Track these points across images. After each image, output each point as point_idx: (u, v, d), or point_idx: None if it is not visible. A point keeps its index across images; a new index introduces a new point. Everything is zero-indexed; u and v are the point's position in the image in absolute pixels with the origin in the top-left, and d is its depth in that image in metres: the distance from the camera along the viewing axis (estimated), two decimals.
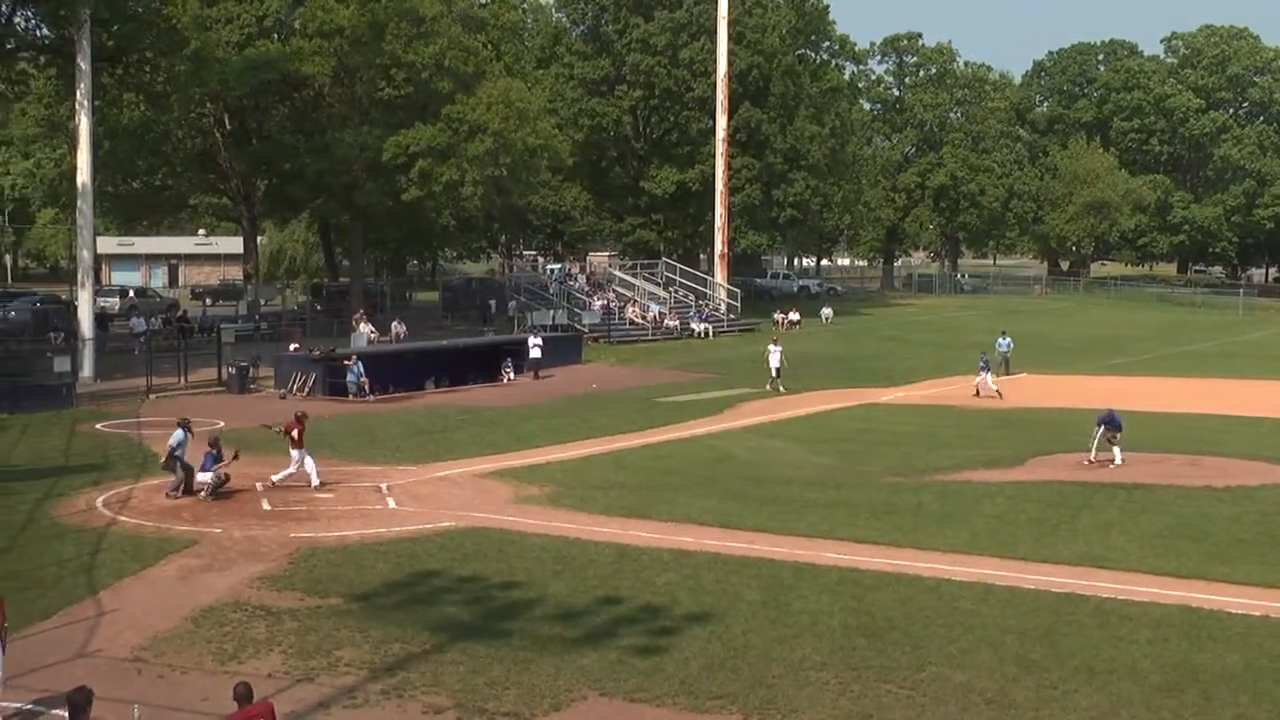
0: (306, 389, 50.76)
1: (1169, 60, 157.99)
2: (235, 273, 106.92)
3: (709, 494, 30.94)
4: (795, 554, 24.48)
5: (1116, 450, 35.56)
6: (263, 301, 79.36)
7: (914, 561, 23.98)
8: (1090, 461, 35.29)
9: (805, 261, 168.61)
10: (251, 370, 51.86)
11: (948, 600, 21.36)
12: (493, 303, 78.35)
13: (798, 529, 26.82)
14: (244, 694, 13.42)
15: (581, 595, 21.61)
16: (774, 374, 54.26)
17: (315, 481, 31.08)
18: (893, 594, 21.74)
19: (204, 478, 29.88)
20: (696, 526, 27.05)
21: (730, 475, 33.92)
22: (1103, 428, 35.81)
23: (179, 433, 30.30)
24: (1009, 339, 60.99)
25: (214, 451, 30.33)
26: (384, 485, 31.72)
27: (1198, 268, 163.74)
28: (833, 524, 27.42)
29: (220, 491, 29.72)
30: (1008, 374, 58.02)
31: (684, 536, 25.98)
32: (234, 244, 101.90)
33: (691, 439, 41.01)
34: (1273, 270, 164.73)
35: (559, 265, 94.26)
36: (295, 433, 31.30)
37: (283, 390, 50.65)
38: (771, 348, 55.38)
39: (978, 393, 52.14)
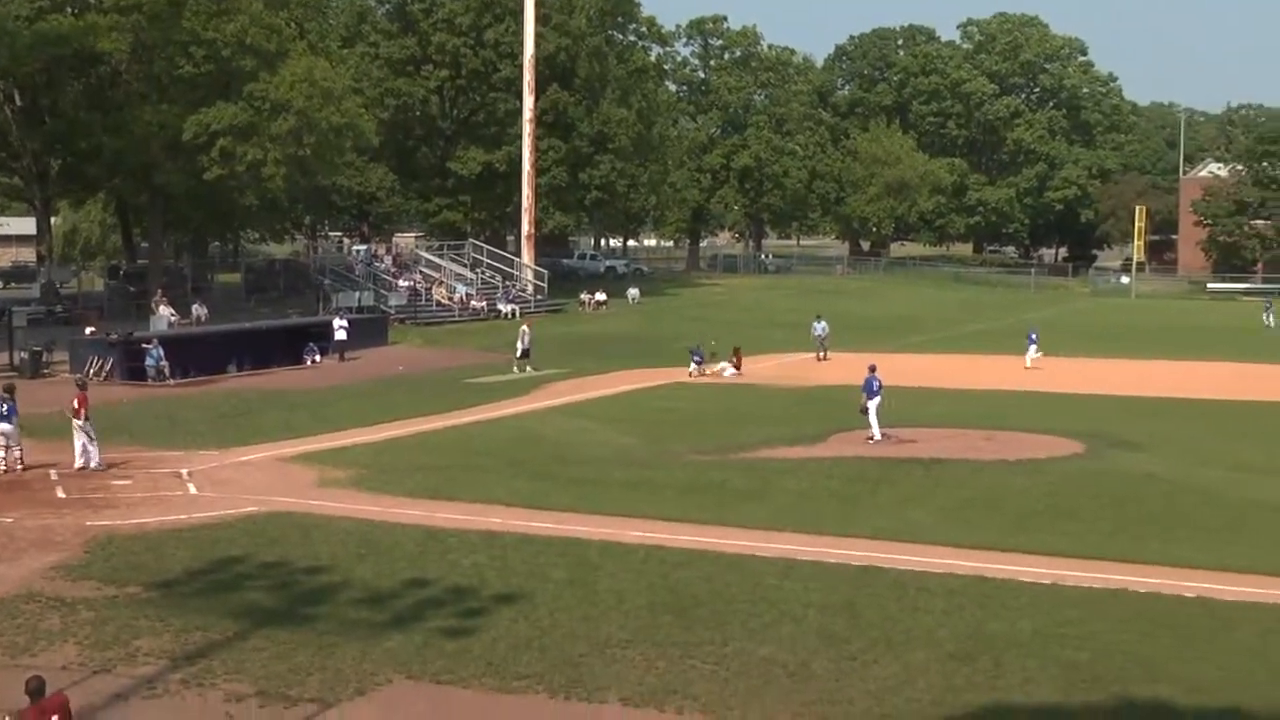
0: (104, 373, 49.48)
1: (965, 46, 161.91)
2: (28, 255, 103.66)
3: (516, 475, 30.87)
4: (602, 533, 24.58)
5: (871, 419, 35.80)
6: (59, 284, 76.98)
7: (719, 538, 24.22)
8: (873, 439, 35.72)
9: (612, 242, 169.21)
10: (45, 355, 50.39)
11: (752, 576, 21.63)
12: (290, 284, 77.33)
13: (604, 508, 26.92)
14: (36, 688, 13.00)
15: (388, 578, 21.43)
16: (520, 354, 54.57)
17: (89, 463, 30.52)
18: (698, 571, 21.94)
19: (5, 428, 29.63)
20: (504, 507, 26.98)
21: (537, 456, 33.88)
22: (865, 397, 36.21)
23: None
24: (824, 322, 61.70)
25: (10, 401, 30.38)
26: (185, 471, 31.12)
27: (992, 248, 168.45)
28: (639, 503, 27.57)
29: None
30: (825, 357, 58.88)
31: (491, 518, 25.91)
32: (26, 225, 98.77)
33: (498, 420, 40.88)
34: (1062, 250, 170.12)
35: (365, 246, 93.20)
36: (77, 403, 30.86)
37: (79, 375, 49.27)
38: (524, 330, 55.84)
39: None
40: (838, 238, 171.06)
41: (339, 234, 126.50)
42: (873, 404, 36.10)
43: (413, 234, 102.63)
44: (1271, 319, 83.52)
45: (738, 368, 53.47)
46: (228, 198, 75.62)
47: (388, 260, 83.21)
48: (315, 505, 27.21)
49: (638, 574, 21.76)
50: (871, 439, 35.65)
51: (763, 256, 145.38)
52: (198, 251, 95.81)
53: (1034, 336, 58.36)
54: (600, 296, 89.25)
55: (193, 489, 29.24)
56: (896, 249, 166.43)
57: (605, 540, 24.02)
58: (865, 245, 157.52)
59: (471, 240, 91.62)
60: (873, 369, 37.08)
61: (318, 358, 57.58)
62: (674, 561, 22.56)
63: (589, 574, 21.75)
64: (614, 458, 33.68)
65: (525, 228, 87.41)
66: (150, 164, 68.91)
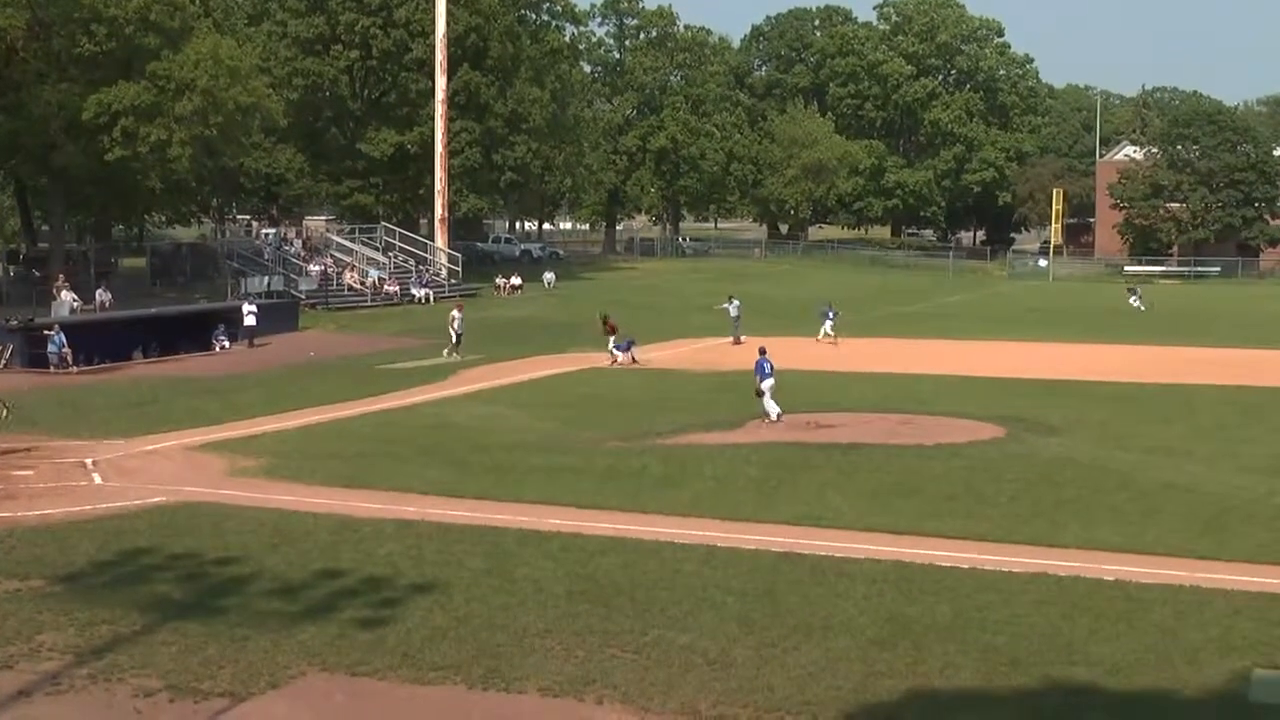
0: (4, 360, 48.83)
1: (882, 27, 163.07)
2: None
3: (431, 462, 30.80)
4: (519, 520, 24.52)
5: (768, 402, 36.70)
6: None
7: (637, 525, 24.25)
8: (770, 420, 36.39)
9: (528, 225, 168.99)
10: None
11: (671, 563, 21.68)
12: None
13: (521, 496, 26.85)
14: None
15: (300, 569, 21.29)
16: (456, 340, 54.63)
17: None
18: (616, 558, 21.95)
19: None
20: (418, 496, 26.89)
21: (453, 443, 33.79)
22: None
23: None
24: (737, 302, 62.01)
25: None
26: (89, 460, 30.79)
27: (910, 231, 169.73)
28: (556, 490, 27.54)
29: None
30: (737, 340, 59.11)
31: (406, 506, 25.81)
32: None
33: (413, 407, 40.77)
34: (980, 234, 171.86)
35: (274, 230, 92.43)
36: None
37: None
38: (454, 314, 55.72)
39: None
40: (755, 221, 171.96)
41: (247, 217, 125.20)
42: (767, 385, 36.89)
43: (323, 217, 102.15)
44: (1139, 303, 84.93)
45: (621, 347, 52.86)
46: (131, 180, 74.58)
47: (298, 244, 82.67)
48: (226, 495, 26.98)
49: (556, 562, 21.75)
50: (767, 420, 36.27)
51: (680, 240, 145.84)
52: (101, 235, 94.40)
53: (830, 312, 61.03)
54: (515, 281, 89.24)
55: (98, 479, 28.93)
56: (815, 232, 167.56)
57: (523, 528, 23.96)
58: (783, 228, 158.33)
59: (384, 224, 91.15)
60: (763, 351, 38.24)
61: (226, 344, 57.18)
62: (592, 549, 22.55)
63: (506, 562, 21.71)
64: (531, 444, 33.62)
65: (439, 211, 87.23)
66: (49, 145, 67.85)
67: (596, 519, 24.83)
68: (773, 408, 36.67)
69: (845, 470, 29.88)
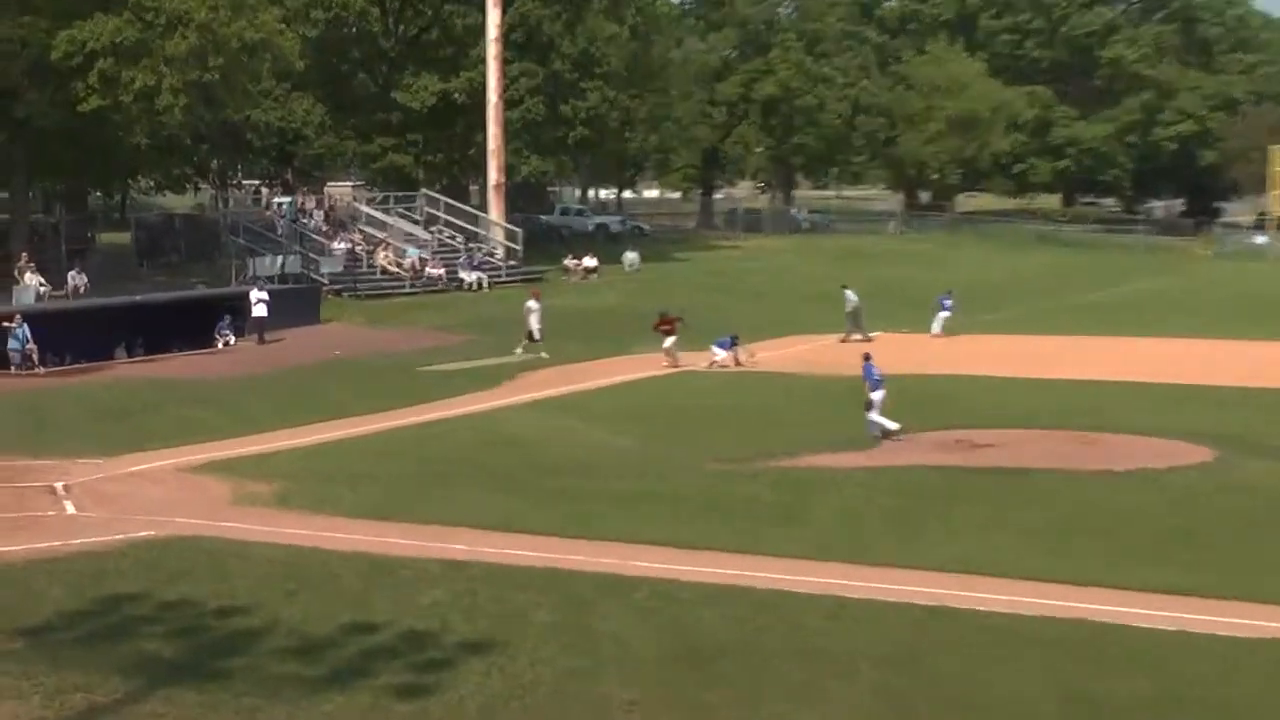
0: None
1: None
2: None
3: (486, 488, 30.81)
4: (597, 563, 24.43)
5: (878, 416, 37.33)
6: None
7: (746, 570, 24.05)
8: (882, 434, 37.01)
9: (603, 194, 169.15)
10: None
11: (789, 619, 21.47)
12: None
13: (599, 531, 26.81)
14: None
15: (323, 621, 21.26)
16: (531, 336, 54.81)
17: None
18: (720, 612, 21.78)
19: None
20: (470, 530, 26.84)
21: (513, 463, 33.75)
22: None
23: None
24: (852, 292, 61.69)
25: None
26: (59, 485, 31.04)
27: (1086, 200, 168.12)
28: (643, 524, 27.44)
29: None
30: (862, 335, 58.80)
31: (454, 543, 25.78)
32: None
33: (462, 418, 40.88)
34: (1177, 203, 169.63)
35: (289, 199, 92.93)
36: None
37: None
38: (531, 304, 55.72)
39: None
40: (889, 188, 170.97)
41: (256, 183, 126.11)
42: (878, 396, 37.37)
43: (349, 183, 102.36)
44: None
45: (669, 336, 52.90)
46: (112, 136, 75.11)
47: (318, 216, 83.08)
48: (229, 528, 27.07)
49: (643, 616, 21.62)
50: (892, 437, 36.87)
51: (794, 211, 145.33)
52: (74, 205, 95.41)
53: (947, 303, 62.03)
54: (589, 262, 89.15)
55: (70, 508, 29.13)
56: (964, 202, 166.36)
57: (601, 572, 23.88)
58: (924, 197, 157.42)
59: (425, 191, 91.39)
60: (868, 357, 38.98)
61: (231, 339, 57.58)
62: (689, 600, 22.42)
63: (581, 615, 21.60)
64: (611, 466, 33.58)
65: (492, 175, 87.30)
66: (10, 91, 68.44)
67: (694, 561, 24.64)
68: (887, 422, 37.09)
69: (1009, 502, 29.55)
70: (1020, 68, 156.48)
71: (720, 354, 52.20)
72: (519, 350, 54.15)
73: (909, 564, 24.59)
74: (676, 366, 51.57)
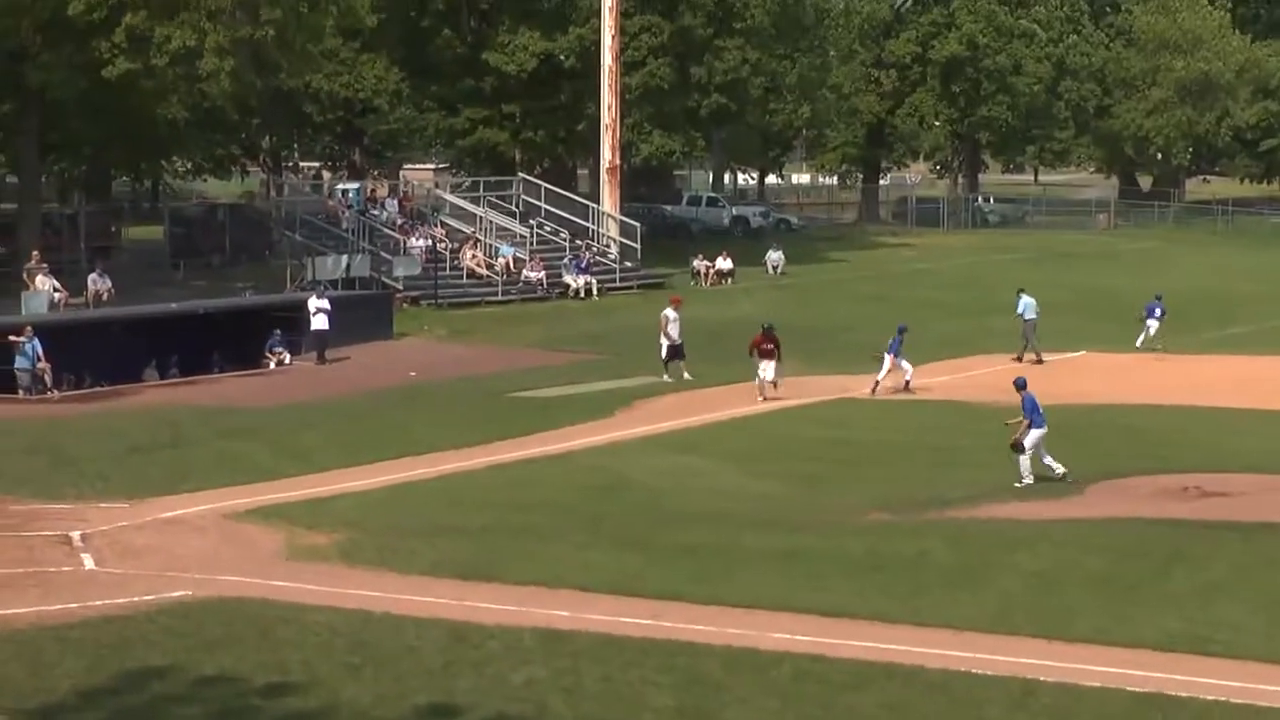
0: None
1: None
2: None
3: (593, 542, 30.93)
4: (728, 634, 24.42)
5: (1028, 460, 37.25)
6: None
7: (912, 645, 24.00)
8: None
9: (742, 179, 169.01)
10: None
11: (966, 706, 21.45)
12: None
13: (731, 596, 26.79)
14: None
15: (394, 704, 21.43)
16: (668, 354, 54.70)
17: None
18: (880, 696, 21.78)
19: None
20: (574, 594, 26.96)
21: (627, 512, 33.96)
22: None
23: None
24: (1030, 300, 61.32)
25: None
26: (76, 534, 31.24)
27: None
28: (786, 587, 27.39)
29: None
30: (1034, 355, 58.73)
31: (555, 608, 25.84)
32: None
33: (565, 456, 41.05)
34: None
35: (356, 186, 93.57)
36: None
37: None
38: (669, 313, 55.58)
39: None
40: (1100, 170, 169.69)
41: (316, 166, 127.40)
42: (1035, 435, 37.29)
43: (431, 166, 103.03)
44: None
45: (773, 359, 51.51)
46: (142, 107, 76.01)
47: (392, 207, 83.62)
48: (281, 587, 27.27)
49: (784, 700, 21.63)
50: (1020, 482, 36.94)
51: (980, 201, 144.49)
52: (97, 192, 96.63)
53: (1156, 310, 62.37)
54: (724, 264, 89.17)
55: (90, 562, 29.31)
56: (1196, 188, 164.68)
57: (733, 646, 23.89)
58: (1145, 183, 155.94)
59: (523, 176, 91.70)
60: (1022, 385, 38.56)
61: (285, 358, 57.87)
62: (841, 681, 22.40)
63: (710, 699, 21.66)
64: (746, 516, 33.57)
65: (606, 156, 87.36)
66: (19, 53, 69.10)
67: (847, 633, 24.64)
68: (1053, 465, 37.29)
69: (1247, 565, 29.23)
70: (1274, 18, 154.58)
71: (905, 367, 52.34)
72: (666, 376, 54.18)
73: (1117, 640, 24.38)
74: (775, 399, 50.47)
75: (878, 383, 51.96)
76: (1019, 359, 58.98)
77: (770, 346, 50.73)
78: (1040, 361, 58.32)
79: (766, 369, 50.50)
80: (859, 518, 33.46)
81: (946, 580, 28.13)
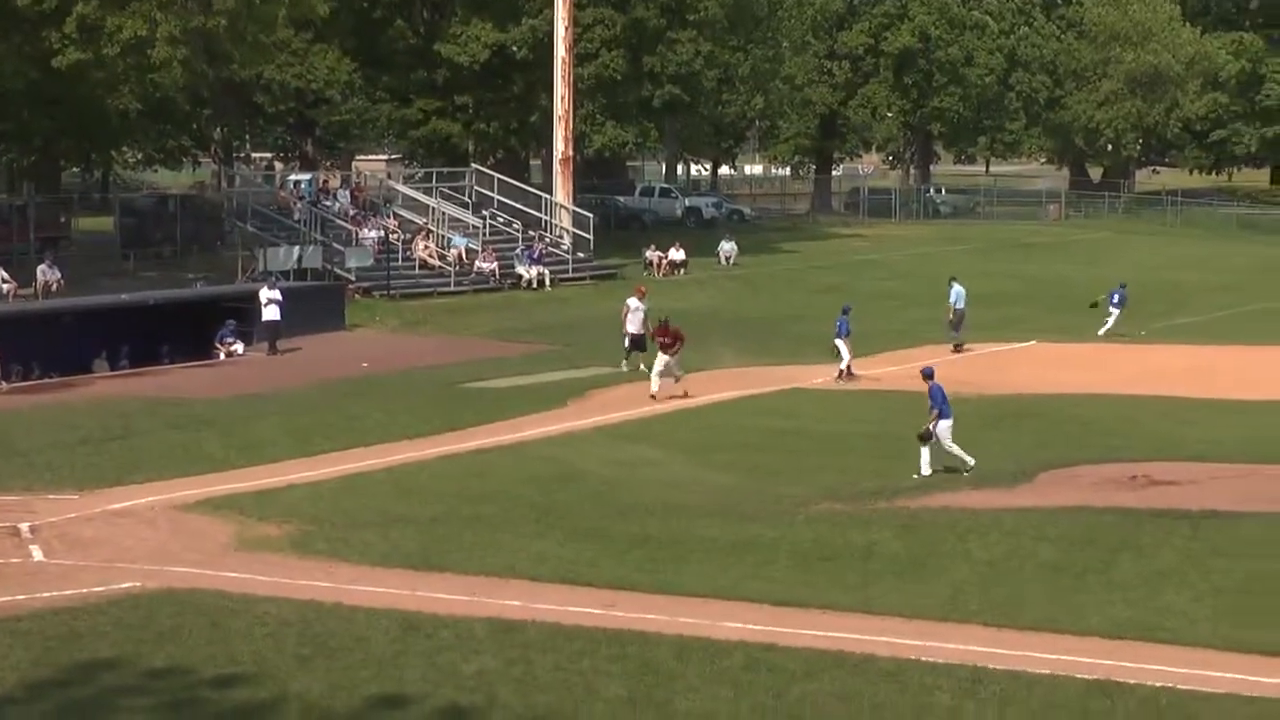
0: None
1: None
2: None
3: (545, 532, 30.93)
4: (680, 623, 24.48)
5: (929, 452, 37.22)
6: None
7: (864, 634, 24.08)
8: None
9: (695, 170, 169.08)
10: None
11: (915, 694, 21.48)
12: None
13: (684, 585, 26.89)
14: None
15: (346, 694, 21.41)
16: (629, 344, 54.42)
17: None
18: (830, 684, 21.81)
19: None
20: (526, 584, 27.02)
21: (579, 503, 33.98)
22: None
23: None
24: (959, 288, 61.27)
25: None
26: (25, 525, 31.24)
27: None
28: (738, 576, 27.51)
29: None
30: (956, 347, 59.00)
31: (506, 598, 25.92)
32: None
33: (517, 446, 41.01)
34: None
35: (308, 177, 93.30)
36: None
37: None
38: (631, 302, 55.39)
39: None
40: (1051, 161, 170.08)
41: (268, 156, 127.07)
42: (944, 426, 37.09)
43: (383, 157, 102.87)
44: None
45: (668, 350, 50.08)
46: (93, 97, 75.76)
47: (344, 198, 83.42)
48: (232, 579, 27.23)
49: (737, 689, 21.65)
50: (918, 474, 36.91)
51: (932, 192, 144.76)
52: (45, 183, 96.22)
53: (1117, 298, 63.06)
54: (677, 255, 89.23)
55: (38, 554, 29.31)
56: (1146, 179, 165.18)
57: (685, 635, 23.93)
58: (1095, 174, 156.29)
59: (475, 167, 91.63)
60: (929, 375, 38.37)
61: (237, 349, 57.77)
62: (793, 670, 22.43)
63: (660, 688, 21.67)
64: (698, 506, 33.63)
65: (559, 147, 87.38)
66: None
67: (799, 623, 24.70)
68: (963, 456, 37.07)
69: (1195, 553, 29.35)
70: (1223, 10, 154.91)
71: (842, 349, 52.29)
72: (625, 365, 53.83)
73: (1066, 629, 24.54)
74: (673, 397, 48.64)
75: (842, 370, 52.00)
76: (958, 349, 59.07)
77: (667, 340, 49.22)
78: (959, 351, 58.63)
79: (661, 363, 48.92)
80: (809, 508, 33.46)
81: (897, 569, 28.27)
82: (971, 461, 37.10)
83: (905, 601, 26.02)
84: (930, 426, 37.06)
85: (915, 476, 36.81)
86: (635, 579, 27.36)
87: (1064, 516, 32.47)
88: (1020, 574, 27.97)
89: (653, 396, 48.29)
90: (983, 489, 35.43)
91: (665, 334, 49.49)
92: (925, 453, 37.06)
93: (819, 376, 52.10)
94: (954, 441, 37.10)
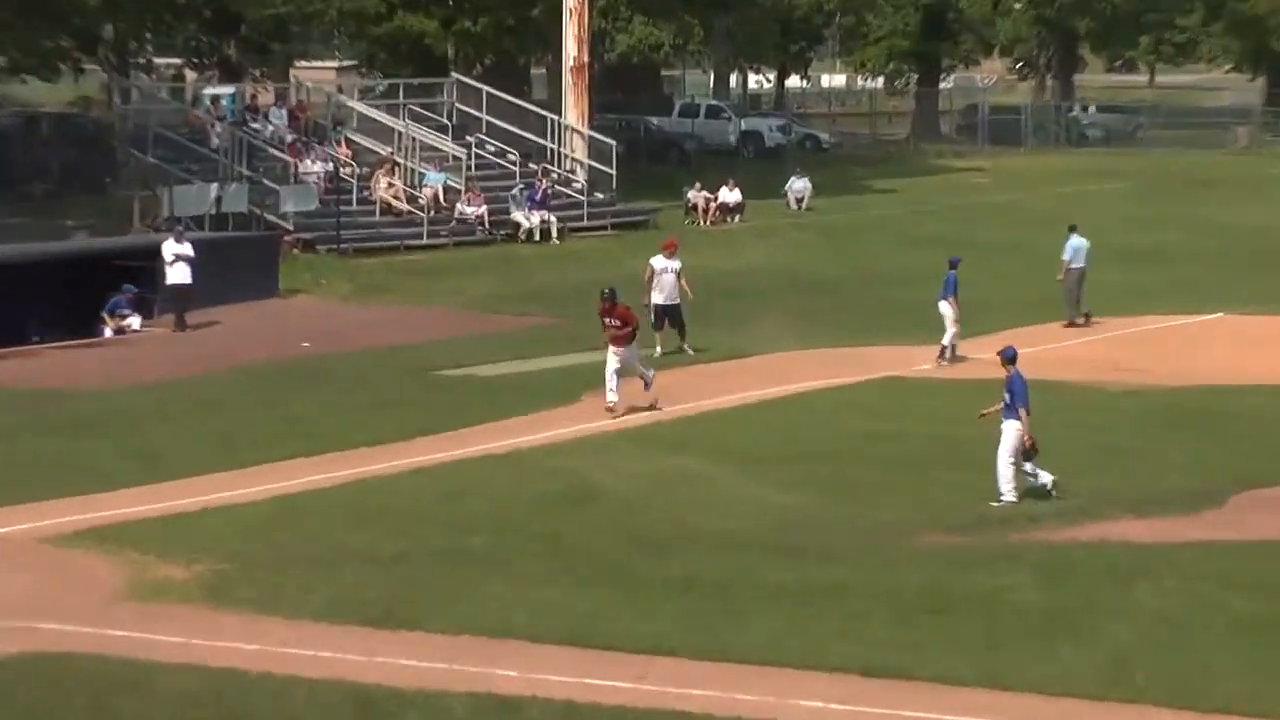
0: None
1: None
2: None
3: (552, 574, 30.83)
4: (736, 702, 24.32)
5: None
6: None
7: (990, 717, 23.99)
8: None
9: (754, 82, 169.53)
10: None
11: None
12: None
13: (740, 649, 26.65)
14: None
15: None
16: (656, 318, 54.57)
17: None
18: None
19: None
20: (525, 644, 26.86)
21: (596, 533, 33.90)
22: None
23: None
24: (1083, 240, 61.08)
25: None
26: None
27: None
28: (816, 637, 27.26)
29: None
30: (1082, 317, 58.70)
31: (500, 666, 25.73)
32: None
33: (512, 456, 41.07)
34: None
35: (231, 91, 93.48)
36: None
37: None
38: (657, 262, 55.54)
39: None
40: (1236, 69, 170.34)
41: (176, 63, 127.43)
42: (1010, 429, 36.82)
43: (332, 64, 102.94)
44: None
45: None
46: None
47: (279, 119, 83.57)
48: (122, 639, 27.11)
49: None
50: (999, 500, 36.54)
51: (1076, 111, 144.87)
52: None
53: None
54: (730, 196, 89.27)
55: None
56: None
57: (743, 716, 23.79)
58: None
59: (457, 77, 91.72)
60: (1011, 358, 38.44)
61: (133, 323, 57.82)
62: None
63: None
64: (760, 539, 33.51)
65: (570, 51, 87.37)
66: None
67: (900, 700, 24.58)
68: (1003, 478, 36.64)
69: None
70: None
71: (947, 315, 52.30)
72: (657, 349, 53.79)
73: (1270, 710, 24.25)
74: (641, 409, 47.41)
75: (945, 347, 51.86)
76: (1071, 324, 59.07)
77: (617, 324, 46.94)
78: (1086, 323, 58.70)
79: (614, 356, 46.64)
80: (912, 540, 33.34)
81: (1035, 628, 27.95)
82: (1010, 494, 36.53)
83: (1047, 673, 25.71)
84: (1031, 438, 36.52)
85: (994, 504, 36.33)
86: (674, 640, 27.04)
87: (1265, 554, 32.20)
88: (1206, 635, 27.62)
89: (610, 409, 46.33)
90: (1152, 517, 35.17)
91: (613, 314, 47.28)
92: (1035, 469, 36.68)
93: (924, 361, 51.92)
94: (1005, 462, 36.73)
